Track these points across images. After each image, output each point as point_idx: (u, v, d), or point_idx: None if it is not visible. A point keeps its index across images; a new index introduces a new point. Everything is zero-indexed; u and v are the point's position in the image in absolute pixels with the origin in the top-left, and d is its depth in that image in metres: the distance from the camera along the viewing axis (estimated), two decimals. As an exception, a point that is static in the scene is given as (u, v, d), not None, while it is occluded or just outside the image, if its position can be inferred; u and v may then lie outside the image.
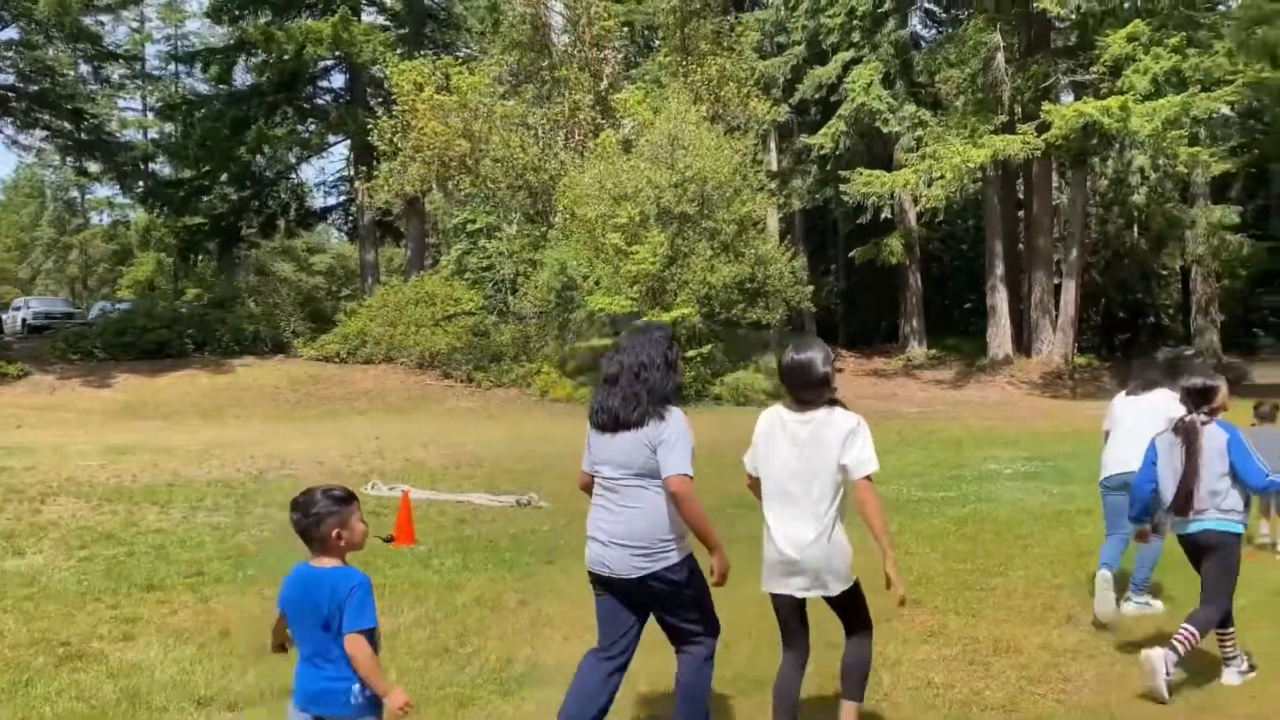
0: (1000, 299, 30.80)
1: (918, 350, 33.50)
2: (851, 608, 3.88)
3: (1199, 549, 4.78)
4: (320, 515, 3.01)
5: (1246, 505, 4.81)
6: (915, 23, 38.83)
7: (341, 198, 41.15)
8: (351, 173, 36.01)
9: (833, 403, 3.80)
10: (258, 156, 35.18)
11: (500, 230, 30.00)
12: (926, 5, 37.73)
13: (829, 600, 3.84)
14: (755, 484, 4.00)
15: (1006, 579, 6.85)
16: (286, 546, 8.48)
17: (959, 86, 32.00)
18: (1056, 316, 29.56)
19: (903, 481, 11.58)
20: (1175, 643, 4.53)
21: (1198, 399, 4.85)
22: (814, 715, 4.24)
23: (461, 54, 33.52)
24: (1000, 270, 30.85)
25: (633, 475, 3.64)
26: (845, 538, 3.78)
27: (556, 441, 16.55)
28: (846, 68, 31.07)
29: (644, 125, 25.95)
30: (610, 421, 3.68)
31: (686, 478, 3.55)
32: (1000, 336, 30.70)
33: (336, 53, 32.41)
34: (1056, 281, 30.81)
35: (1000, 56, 28.39)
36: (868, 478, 3.68)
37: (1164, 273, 38.64)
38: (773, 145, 36.48)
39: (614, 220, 24.17)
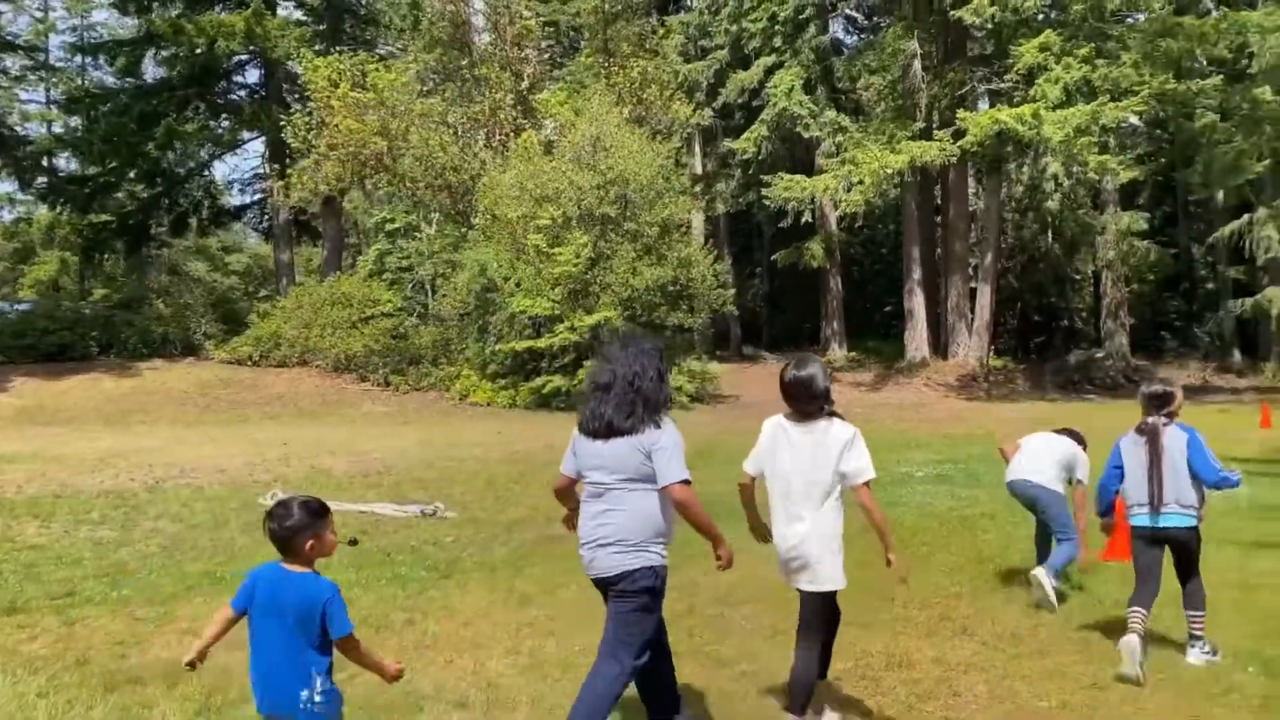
0: (918, 302, 31.28)
1: (838, 352, 33.85)
2: (826, 606, 4.23)
3: (1161, 542, 5.20)
4: (296, 527, 3.17)
5: (1202, 501, 5.24)
6: (837, 29, 39.32)
7: (257, 196, 40.06)
8: (266, 170, 35.06)
9: (831, 415, 4.15)
10: (168, 153, 33.96)
11: (420, 230, 29.46)
12: (848, 12, 38.12)
13: (808, 595, 4.16)
14: (749, 485, 4.35)
15: (906, 588, 6.80)
16: (172, 561, 8.15)
17: (879, 93, 32.45)
18: (972, 320, 30.11)
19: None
20: (1194, 630, 5.17)
21: (1158, 403, 5.28)
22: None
23: (382, 51, 32.90)
24: (918, 274, 31.33)
25: (623, 480, 3.78)
26: (840, 539, 4.14)
27: (472, 447, 16.26)
28: (768, 73, 31.26)
29: (566, 126, 25.71)
30: (604, 428, 3.81)
31: (687, 484, 3.74)
32: (918, 339, 31.17)
33: (251, 48, 31.53)
34: (973, 285, 31.39)
35: (917, 64, 28.83)
36: (866, 484, 4.08)
37: (1077, 277, 39.65)
38: (697, 149, 36.57)
39: (536, 221, 23.90)
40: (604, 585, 3.88)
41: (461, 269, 25.51)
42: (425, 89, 29.23)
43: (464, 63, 28.99)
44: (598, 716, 3.74)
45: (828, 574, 4.11)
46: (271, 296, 34.44)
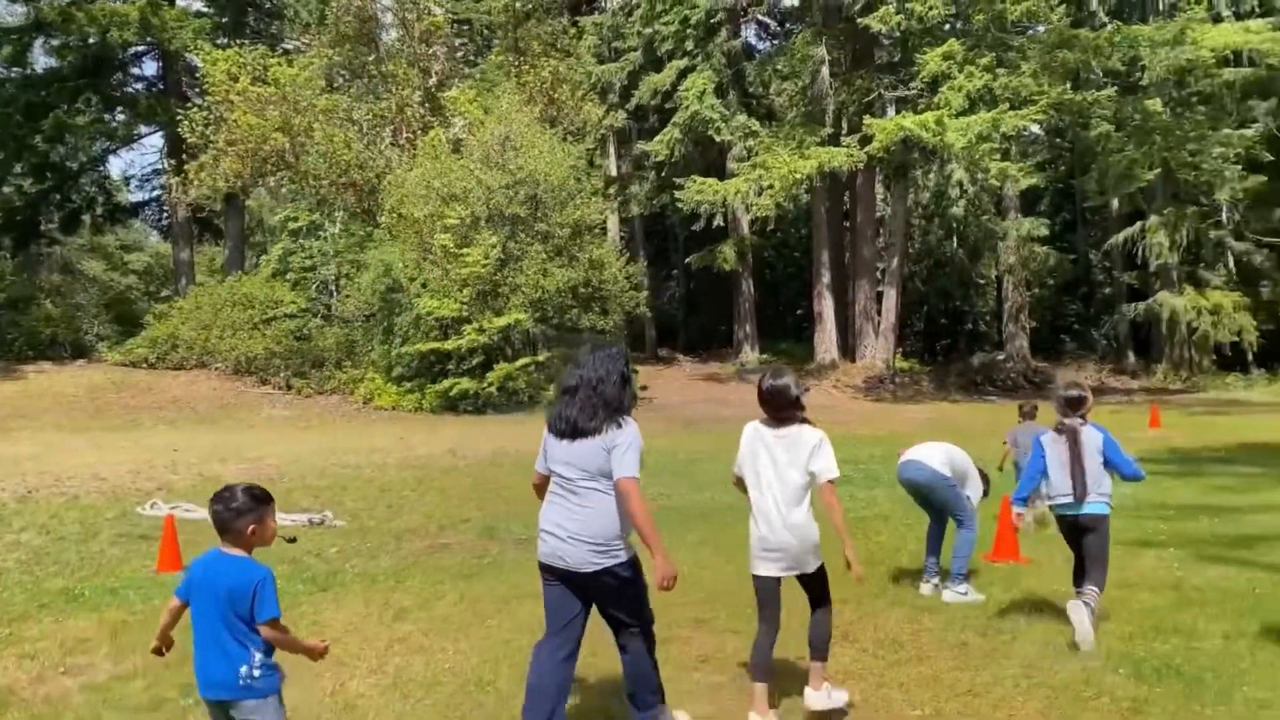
0: (827, 305, 31.66)
1: (750, 355, 34.07)
2: (819, 585, 4.62)
3: (1080, 528, 5.71)
4: (239, 510, 3.28)
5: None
6: (749, 34, 39.65)
7: (155, 193, 38.63)
8: (164, 166, 33.79)
9: (803, 421, 4.55)
10: (58, 146, 32.53)
11: (324, 229, 28.72)
12: (760, 17, 38.42)
13: (801, 578, 4.58)
14: (739, 482, 4.76)
15: (796, 593, 6.73)
16: (30, 576, 7.67)
17: (790, 99, 32.79)
18: (879, 323, 30.58)
19: (716, 489, 11.31)
20: (1086, 602, 5.48)
21: (1074, 406, 5.84)
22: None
23: (290, 46, 31.98)
24: (827, 278, 31.72)
25: (590, 477, 3.97)
26: (815, 527, 4.52)
27: (371, 452, 15.83)
28: (681, 76, 31.25)
29: (475, 124, 25.32)
30: (570, 429, 4.03)
31: (634, 480, 3.90)
32: (827, 342, 31.55)
33: (148, 38, 30.37)
34: (880, 289, 31.90)
35: (825, 70, 29.16)
36: (831, 482, 4.48)
37: (981, 281, 40.65)
38: (612, 150, 36.43)
39: (444, 221, 23.47)
40: (566, 576, 4.02)
41: (366, 269, 24.93)
42: (334, 85, 28.53)
43: (370, 58, 28.34)
44: (650, 684, 4.12)
45: (807, 559, 4.53)
46: (171, 297, 33.24)
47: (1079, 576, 5.77)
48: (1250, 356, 31.32)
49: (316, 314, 28.05)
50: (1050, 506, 5.93)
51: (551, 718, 3.96)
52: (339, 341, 26.37)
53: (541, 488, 4.21)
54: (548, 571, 4.08)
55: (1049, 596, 6.56)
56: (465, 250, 23.05)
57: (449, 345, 22.78)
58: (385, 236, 25.18)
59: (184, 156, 27.75)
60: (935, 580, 6.78)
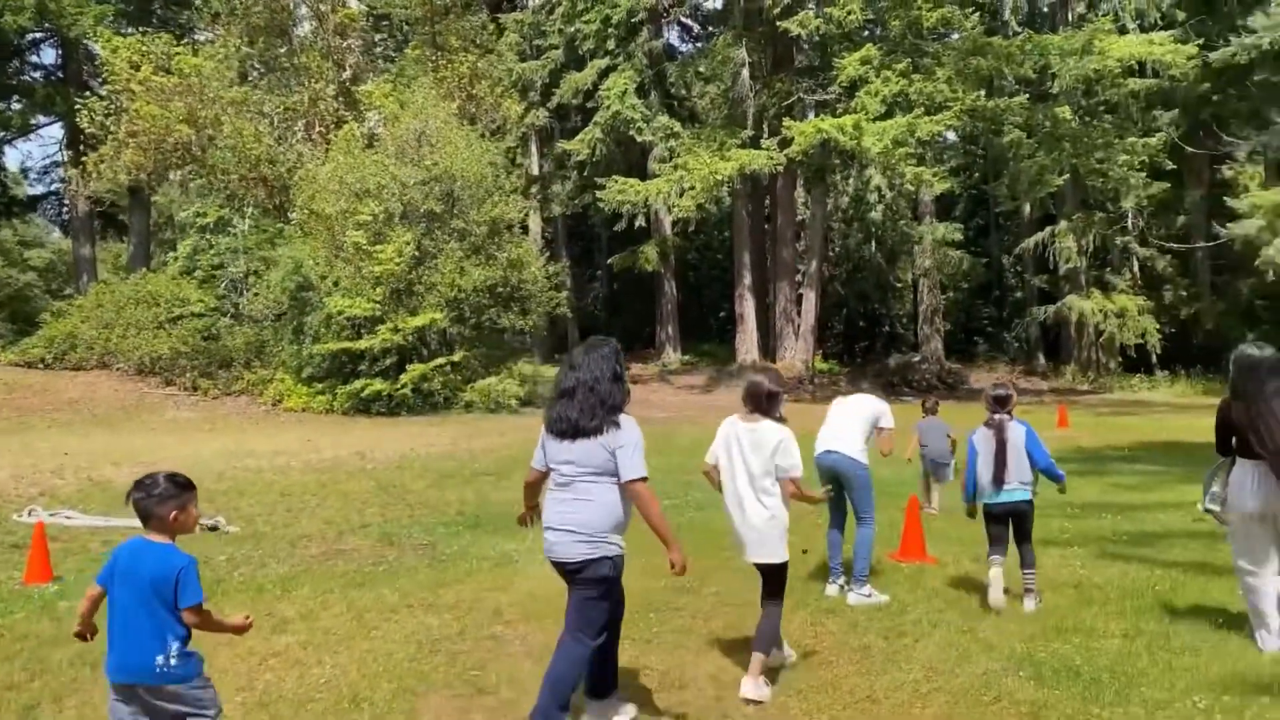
0: (748, 307, 31.76)
1: (673, 356, 34.02)
2: (774, 580, 4.87)
3: (1007, 514, 6.28)
4: (162, 496, 3.33)
5: (1036, 479, 6.37)
6: (673, 36, 39.62)
7: (55, 186, 37.01)
8: (63, 158, 32.39)
9: (779, 419, 4.84)
10: (-53, 135, 31.04)
11: (234, 225, 27.79)
12: (682, 19, 38.43)
13: (762, 567, 4.84)
14: (712, 471, 5.02)
15: (697, 597, 6.58)
16: None
17: (712, 101, 32.84)
18: (799, 324, 30.77)
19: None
20: (1028, 584, 6.21)
21: (1001, 403, 6.38)
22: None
23: (203, 38, 30.89)
24: (749, 280, 31.82)
25: (588, 473, 4.10)
26: (777, 521, 4.78)
27: (275, 455, 15.26)
28: (602, 75, 31.06)
29: (390, 119, 24.74)
30: (570, 429, 4.14)
31: (645, 480, 4.07)
32: (748, 343, 31.65)
33: (45, 24, 29.06)
34: (800, 292, 32.11)
35: (746, 73, 29.26)
36: (793, 479, 4.78)
37: (898, 285, 41.26)
38: (534, 149, 36.07)
39: (356, 217, 22.87)
40: (563, 570, 4.16)
41: (276, 266, 24.17)
42: (247, 78, 27.60)
43: (283, 50, 27.51)
44: (562, 695, 4.07)
45: (773, 549, 4.78)
46: (72, 295, 31.88)
47: (995, 548, 6.33)
48: (1154, 358, 32.31)
49: (225, 313, 27.14)
50: (980, 498, 6.42)
51: (565, 706, 4.10)
52: (248, 341, 25.55)
53: (534, 485, 4.43)
54: (554, 567, 4.25)
55: (954, 597, 6.51)
56: (378, 248, 22.48)
57: (361, 345, 22.18)
58: (296, 233, 24.44)
59: (83, 148, 26.60)
60: (840, 581, 6.68)
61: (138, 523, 3.35)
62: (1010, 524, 6.33)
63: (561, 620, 5.31)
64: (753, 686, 4.65)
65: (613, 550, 4.10)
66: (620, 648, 5.41)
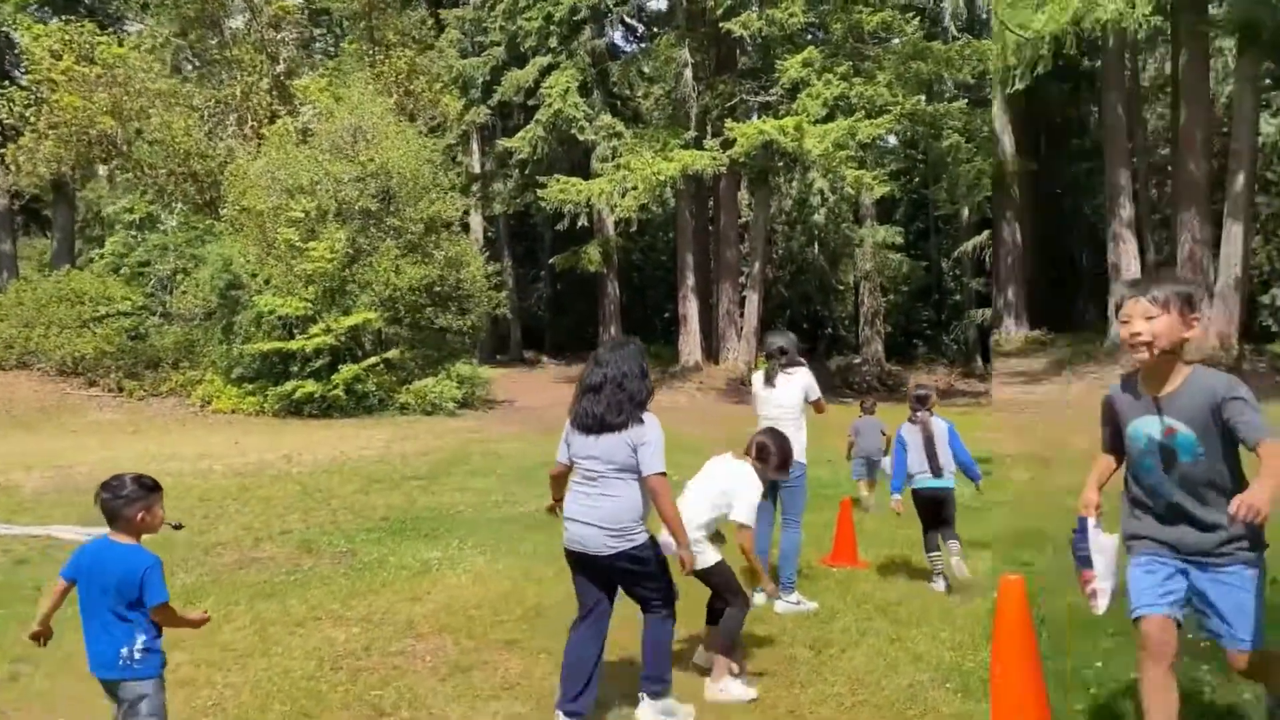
0: (691, 308, 31.66)
1: (615, 357, 33.74)
2: (714, 582, 4.90)
3: (936, 500, 6.80)
4: (129, 497, 3.41)
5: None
6: (616, 35, 39.36)
7: (-27, 179, 35.59)
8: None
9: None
10: None
11: (162, 222, 26.97)
12: (625, 18, 38.18)
13: (698, 574, 4.76)
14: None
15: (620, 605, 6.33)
16: None
17: (655, 101, 32.69)
18: (742, 326, 30.74)
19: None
20: (952, 553, 6.73)
21: (923, 401, 6.95)
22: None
23: (134, 29, 29.95)
24: (692, 281, 31.71)
25: (613, 469, 4.22)
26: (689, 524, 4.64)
27: (198, 459, 14.70)
28: (544, 73, 30.73)
29: (325, 114, 24.18)
30: (596, 424, 4.25)
31: (664, 475, 4.18)
32: (691, 345, 31.55)
33: (-37, 11, 27.97)
34: (744, 294, 32.09)
35: (689, 73, 29.16)
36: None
37: (840, 287, 41.51)
38: (475, 147, 35.61)
39: (288, 214, 22.30)
40: (587, 560, 4.30)
41: (205, 264, 23.49)
42: (179, 70, 26.81)
43: (214, 42, 26.76)
44: (666, 664, 4.39)
45: (702, 556, 4.72)
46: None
47: (930, 545, 6.88)
48: (1089, 361, 32.79)
49: (153, 312, 26.33)
50: (911, 486, 6.92)
51: (584, 692, 4.22)
52: (176, 341, 24.80)
53: (560, 478, 4.52)
54: (571, 557, 4.37)
55: (883, 603, 6.37)
56: (310, 245, 21.94)
57: (293, 345, 21.61)
58: (227, 230, 23.77)
59: (3, 139, 25.63)
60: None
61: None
62: (936, 511, 6.85)
63: (474, 634, 5.11)
64: (712, 687, 4.70)
65: (641, 538, 4.27)
66: (534, 663, 5.19)
